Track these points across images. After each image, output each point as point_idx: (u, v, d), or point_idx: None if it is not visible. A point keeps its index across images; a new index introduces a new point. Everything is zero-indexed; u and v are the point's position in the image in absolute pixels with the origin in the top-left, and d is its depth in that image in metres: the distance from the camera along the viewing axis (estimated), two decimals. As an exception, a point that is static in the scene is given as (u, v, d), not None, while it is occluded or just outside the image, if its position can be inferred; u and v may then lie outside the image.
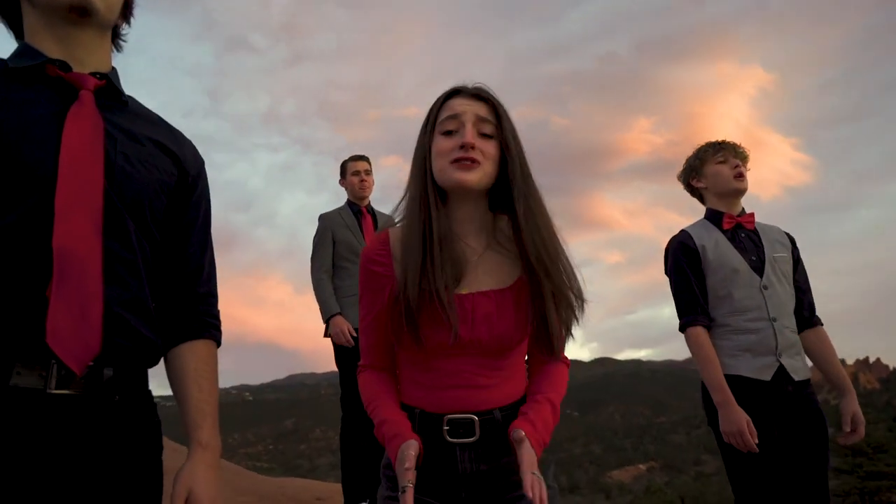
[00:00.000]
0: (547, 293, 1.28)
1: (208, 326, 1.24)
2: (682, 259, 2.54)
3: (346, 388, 3.64)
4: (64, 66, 1.10)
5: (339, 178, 3.99)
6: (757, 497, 2.30)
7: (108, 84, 1.15)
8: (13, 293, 0.97)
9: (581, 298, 1.33)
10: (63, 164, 1.02)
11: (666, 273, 2.64)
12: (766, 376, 2.37)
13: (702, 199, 2.73)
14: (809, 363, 2.53)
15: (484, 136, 1.31)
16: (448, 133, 1.31)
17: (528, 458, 1.18)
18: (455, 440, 1.27)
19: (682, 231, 2.63)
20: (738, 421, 2.27)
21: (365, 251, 1.39)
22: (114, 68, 1.22)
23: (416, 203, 1.32)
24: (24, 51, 1.11)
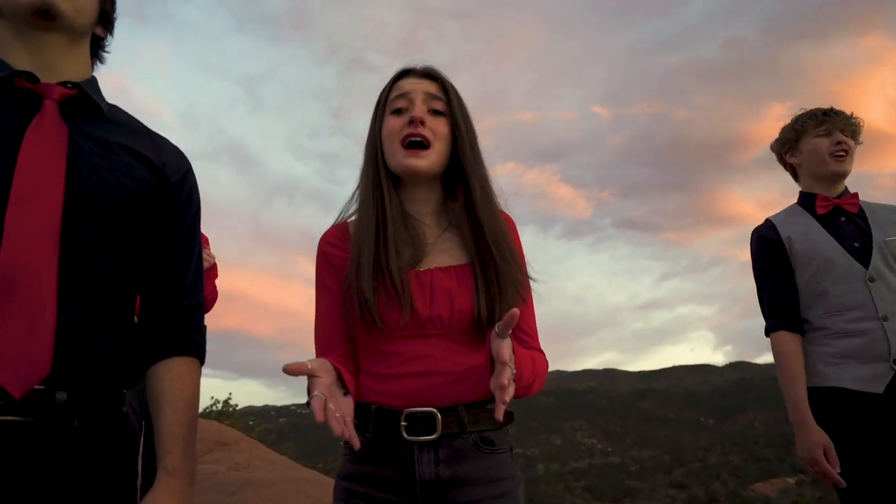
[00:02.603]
0: (499, 274, 1.24)
1: (189, 342, 1.17)
2: (762, 255, 2.18)
3: None
4: (31, 77, 1.08)
5: None
6: None
7: (81, 93, 1.12)
8: None
9: (527, 278, 1.31)
10: (18, 177, 0.98)
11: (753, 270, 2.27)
12: (878, 388, 1.95)
13: (796, 178, 2.31)
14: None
15: (435, 113, 1.31)
16: (398, 112, 1.31)
17: (508, 349, 1.02)
18: (413, 438, 1.15)
19: (766, 220, 2.26)
20: (812, 447, 1.92)
21: (323, 236, 1.38)
22: (93, 77, 1.19)
23: (368, 189, 1.32)
24: None
